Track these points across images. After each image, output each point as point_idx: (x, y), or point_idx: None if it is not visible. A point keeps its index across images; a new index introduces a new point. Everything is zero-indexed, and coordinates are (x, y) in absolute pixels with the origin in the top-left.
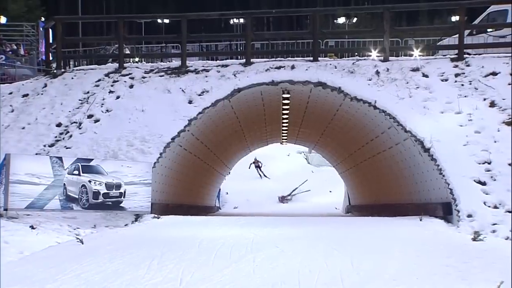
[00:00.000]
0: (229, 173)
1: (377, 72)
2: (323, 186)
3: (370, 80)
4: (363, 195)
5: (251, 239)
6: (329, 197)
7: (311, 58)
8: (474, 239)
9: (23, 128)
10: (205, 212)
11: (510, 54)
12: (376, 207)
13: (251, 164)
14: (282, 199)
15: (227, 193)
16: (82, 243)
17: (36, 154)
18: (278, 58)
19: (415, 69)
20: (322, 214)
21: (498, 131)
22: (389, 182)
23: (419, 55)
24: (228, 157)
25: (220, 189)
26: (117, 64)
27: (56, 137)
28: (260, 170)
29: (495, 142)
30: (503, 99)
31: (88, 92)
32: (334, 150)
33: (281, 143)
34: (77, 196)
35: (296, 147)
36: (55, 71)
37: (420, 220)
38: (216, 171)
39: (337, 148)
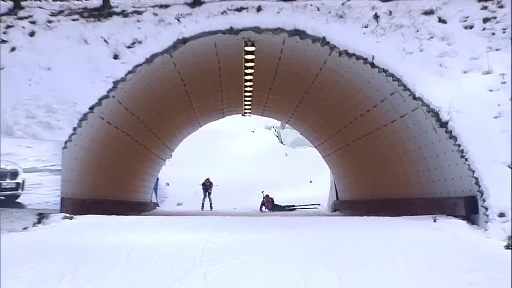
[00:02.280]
0: (171, 156)
1: (376, 16)
2: (301, 175)
3: (366, 27)
4: (356, 187)
5: (201, 248)
6: (309, 190)
7: None
8: (507, 247)
9: None
10: (137, 210)
11: None
12: (374, 203)
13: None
14: (270, 206)
15: (167, 185)
16: None
17: None
18: None
19: (429, 12)
20: (300, 213)
21: None
22: (392, 168)
23: None
24: (170, 134)
25: (158, 179)
26: (12, 3)
27: None
28: (209, 196)
29: None
30: None
31: None
32: (316, 124)
33: (243, 115)
34: None
35: (264, 120)
36: None
37: (434, 220)
38: (152, 153)
39: (320, 122)
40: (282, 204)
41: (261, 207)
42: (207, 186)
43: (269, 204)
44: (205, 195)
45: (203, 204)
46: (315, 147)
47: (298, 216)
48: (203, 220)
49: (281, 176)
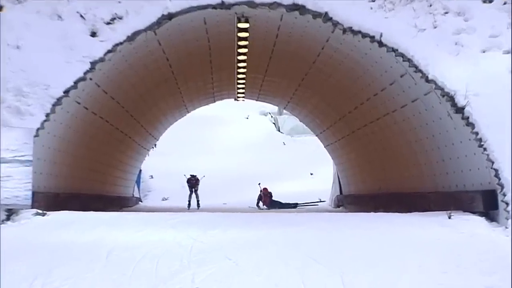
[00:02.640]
0: (155, 145)
1: None
2: (301, 166)
3: (373, 1)
4: (362, 179)
5: (188, 247)
6: (310, 183)
7: None
8: None
9: None
10: (118, 205)
11: None
12: (382, 198)
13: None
14: (268, 201)
15: (151, 177)
16: None
17: None
18: None
19: None
20: (300, 209)
21: None
22: (402, 159)
23: None
24: (154, 121)
25: (140, 171)
26: None
27: None
28: (195, 193)
29: None
30: None
31: None
32: (317, 110)
33: (235, 100)
34: None
35: (259, 105)
36: None
37: (449, 217)
38: (135, 142)
39: (321, 107)
40: (282, 201)
41: (258, 203)
42: (193, 183)
43: (267, 199)
44: (191, 192)
45: (189, 202)
46: (316, 136)
47: (297, 212)
48: (191, 217)
49: (278, 167)
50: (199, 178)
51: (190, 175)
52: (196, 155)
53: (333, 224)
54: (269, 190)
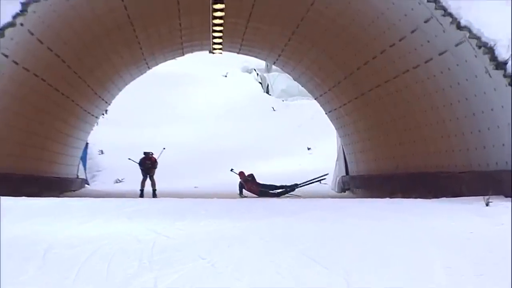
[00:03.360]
0: (106, 112)
1: None
2: (295, 139)
3: None
4: (375, 155)
5: (150, 243)
6: (307, 160)
7: None
8: None
9: None
10: (58, 189)
11: None
12: (400, 179)
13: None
14: (254, 187)
15: (101, 153)
16: None
17: None
18: None
19: None
20: (293, 193)
21: None
22: (426, 129)
23: None
24: (105, 79)
25: (87, 145)
26: None
27: None
28: (151, 178)
29: None
30: None
31: None
32: (316, 66)
33: (211, 52)
34: None
35: (241, 60)
36: None
37: (487, 204)
38: (79, 107)
39: (322, 62)
40: (276, 184)
41: (240, 191)
42: (147, 166)
43: (253, 185)
44: (145, 177)
45: (141, 190)
46: (315, 99)
47: (291, 198)
48: (153, 205)
49: (265, 140)
50: (156, 159)
51: (144, 153)
52: (159, 124)
53: (336, 214)
54: (246, 174)
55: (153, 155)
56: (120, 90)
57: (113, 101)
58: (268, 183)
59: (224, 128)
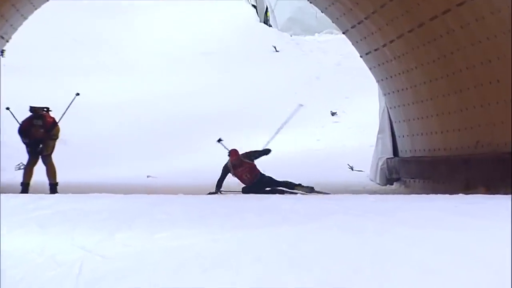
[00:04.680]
0: (3, 52)
1: None
2: (311, 97)
3: None
4: (440, 126)
5: (75, 268)
6: (330, 132)
7: None
8: None
9: None
10: None
11: None
12: (483, 164)
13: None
14: (249, 178)
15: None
16: None
17: None
18: None
19: None
20: (308, 185)
21: None
22: None
23: None
24: None
25: None
26: None
27: None
28: (44, 159)
29: None
30: None
31: None
32: None
33: None
34: None
35: None
36: None
37: None
38: None
39: None
40: (290, 180)
41: (220, 182)
42: (37, 134)
43: (244, 173)
44: (32, 159)
45: (24, 184)
46: (344, 33)
47: (305, 193)
48: (82, 204)
49: (261, 100)
50: (55, 121)
51: (31, 109)
52: (87, 74)
53: (376, 220)
54: (240, 155)
55: (49, 112)
56: (25, 19)
57: (14, 35)
58: (271, 177)
59: (195, 81)
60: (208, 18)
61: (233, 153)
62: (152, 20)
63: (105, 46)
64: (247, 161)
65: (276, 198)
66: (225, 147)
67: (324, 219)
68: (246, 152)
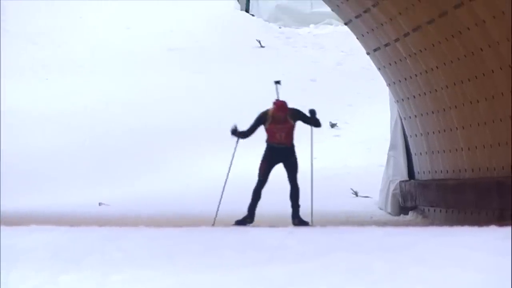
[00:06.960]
0: None
1: None
2: (306, 105)
3: None
4: (467, 141)
5: None
6: (330, 147)
7: None
8: None
9: None
10: None
11: None
12: None
13: None
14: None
15: None
16: None
17: None
18: None
19: None
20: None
21: None
22: None
23: None
24: None
25: None
26: None
27: None
28: None
29: None
30: None
31: None
32: None
33: None
34: None
35: None
36: None
37: None
38: None
39: None
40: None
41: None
42: None
43: (286, 136)
44: None
45: None
46: (346, 24)
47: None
48: (19, 238)
49: (242, 107)
50: None
51: None
52: (17, 74)
53: (386, 259)
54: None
55: None
56: None
57: None
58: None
59: (159, 84)
60: (177, 6)
61: (281, 104)
62: (105, 7)
63: (43, 38)
64: (291, 120)
65: (262, 232)
66: (277, 93)
67: (321, 257)
68: (294, 108)
